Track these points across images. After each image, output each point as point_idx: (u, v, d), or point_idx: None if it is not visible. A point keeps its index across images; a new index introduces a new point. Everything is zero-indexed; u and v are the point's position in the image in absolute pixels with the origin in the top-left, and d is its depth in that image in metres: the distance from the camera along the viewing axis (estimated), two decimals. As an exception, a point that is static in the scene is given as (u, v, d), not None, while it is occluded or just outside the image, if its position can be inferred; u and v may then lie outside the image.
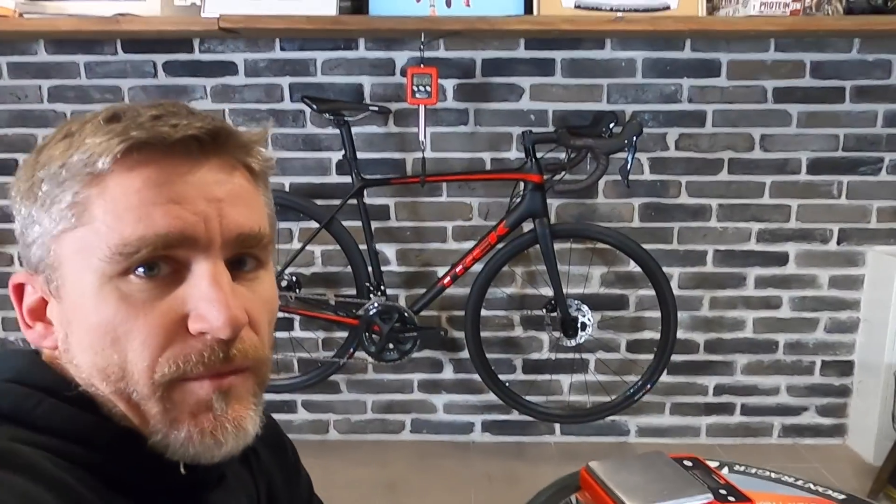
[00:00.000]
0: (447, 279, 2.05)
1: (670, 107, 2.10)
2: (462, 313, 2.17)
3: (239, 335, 0.50)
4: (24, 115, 2.14)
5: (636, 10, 1.90)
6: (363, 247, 2.06)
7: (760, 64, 2.07)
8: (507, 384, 2.17)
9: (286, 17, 1.83)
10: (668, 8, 1.92)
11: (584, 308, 2.08)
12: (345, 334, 2.16)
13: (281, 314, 2.08)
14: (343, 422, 2.32)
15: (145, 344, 0.49)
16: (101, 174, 0.48)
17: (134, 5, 1.95)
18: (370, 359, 2.11)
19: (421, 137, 1.96)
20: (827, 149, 2.12)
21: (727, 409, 2.30)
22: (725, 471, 1.06)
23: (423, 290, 2.13)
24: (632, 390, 2.13)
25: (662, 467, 1.00)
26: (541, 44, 2.07)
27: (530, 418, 2.25)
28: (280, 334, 2.22)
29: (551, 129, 2.07)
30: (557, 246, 2.03)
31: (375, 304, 2.04)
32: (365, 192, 2.03)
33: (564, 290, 2.07)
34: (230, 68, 2.10)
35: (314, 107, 1.97)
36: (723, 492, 0.94)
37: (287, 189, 2.15)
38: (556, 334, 2.12)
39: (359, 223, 2.04)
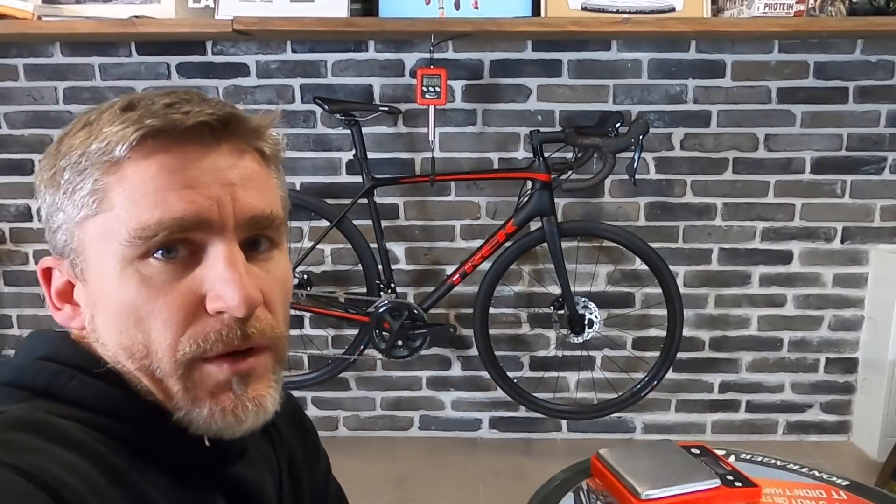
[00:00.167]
0: (456, 277, 2.08)
1: (675, 107, 2.13)
2: (470, 311, 2.20)
3: (255, 314, 0.52)
4: (40, 115, 2.18)
5: (642, 12, 1.93)
6: (373, 245, 2.09)
7: (764, 65, 2.10)
8: (514, 381, 2.19)
9: (298, 19, 1.87)
10: (673, 10, 1.95)
11: (591, 305, 2.11)
12: (354, 332, 2.19)
13: (292, 311, 2.11)
14: (352, 418, 2.35)
15: (167, 324, 0.51)
16: (118, 161, 0.51)
17: (148, 8, 1.99)
18: (380, 355, 2.14)
19: (431, 137, 1.99)
20: (830, 148, 2.15)
21: (732, 406, 2.32)
22: (732, 458, 1.08)
23: (431, 288, 2.16)
24: (638, 386, 2.16)
25: (671, 454, 1.02)
26: (548, 45, 2.10)
27: (537, 415, 2.28)
28: (290, 332, 2.25)
29: (558, 128, 2.10)
30: (564, 244, 2.06)
31: (386, 302, 2.07)
32: (375, 192, 2.06)
33: (571, 288, 2.09)
34: (242, 69, 2.13)
35: (326, 107, 2.00)
36: (730, 478, 0.97)
37: (298, 188, 2.18)
38: (564, 331, 2.15)
39: (369, 222, 2.07)
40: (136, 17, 1.89)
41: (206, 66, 2.13)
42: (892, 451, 2.00)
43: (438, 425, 2.35)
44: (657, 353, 2.18)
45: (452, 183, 2.19)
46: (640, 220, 2.20)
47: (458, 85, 2.12)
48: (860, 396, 2.28)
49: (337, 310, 2.13)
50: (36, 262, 2.27)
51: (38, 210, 0.58)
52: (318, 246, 2.13)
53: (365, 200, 2.05)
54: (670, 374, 2.19)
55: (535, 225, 2.07)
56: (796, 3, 1.85)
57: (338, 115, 2.02)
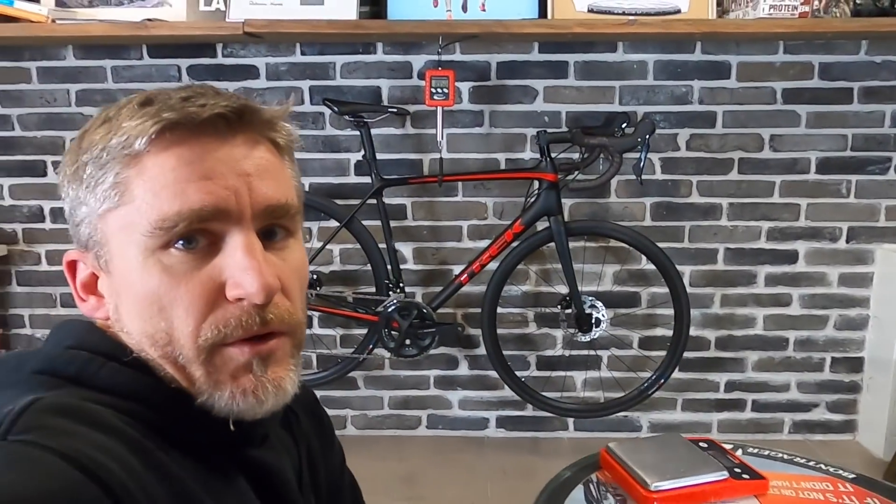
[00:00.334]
0: (464, 276, 2.10)
1: (681, 108, 2.15)
2: (477, 310, 2.22)
3: (273, 300, 0.54)
4: (53, 118, 2.20)
5: (648, 14, 1.95)
6: (382, 245, 2.11)
7: (769, 66, 2.12)
8: (522, 380, 2.21)
9: (308, 22, 1.89)
10: (678, 11, 1.97)
11: (599, 304, 2.13)
12: (363, 331, 2.21)
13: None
14: (360, 417, 2.37)
15: (189, 311, 0.53)
16: (138, 155, 0.52)
17: (160, 11, 2.02)
18: (389, 355, 2.15)
19: (439, 138, 2.01)
20: (835, 149, 2.16)
21: (738, 405, 2.33)
22: (739, 452, 1.10)
23: (438, 288, 2.18)
24: (646, 385, 2.17)
25: (679, 447, 1.04)
26: (554, 47, 2.12)
27: (544, 414, 2.29)
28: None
29: (565, 129, 2.12)
30: (571, 244, 2.07)
31: (394, 301, 2.09)
32: (384, 192, 2.08)
33: (579, 287, 2.11)
34: (252, 72, 2.16)
35: (335, 109, 2.02)
36: (737, 470, 0.99)
37: (307, 189, 2.21)
38: (571, 330, 2.17)
39: (377, 222, 2.10)
40: (149, 20, 1.92)
41: (217, 68, 2.16)
42: (898, 450, 2.01)
43: (446, 424, 2.37)
44: (663, 353, 2.19)
45: (460, 183, 2.21)
46: (646, 220, 2.22)
47: (465, 86, 2.15)
48: (866, 396, 2.29)
49: (346, 309, 2.15)
50: (48, 263, 2.30)
51: (62, 205, 0.59)
52: (327, 246, 2.15)
53: (374, 201, 2.07)
54: (676, 374, 2.20)
55: (541, 225, 2.08)
56: (801, 4, 1.87)
57: (347, 117, 2.04)
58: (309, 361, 2.31)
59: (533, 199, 2.07)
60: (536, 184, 2.08)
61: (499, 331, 2.17)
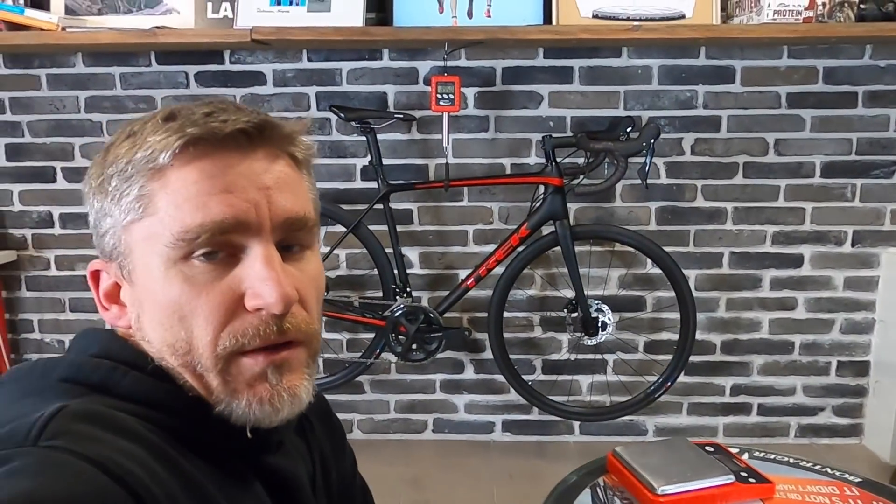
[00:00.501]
0: (471, 280, 2.11)
1: (686, 113, 2.16)
2: (482, 314, 2.24)
3: (290, 310, 0.56)
4: (62, 124, 2.23)
5: (652, 20, 1.96)
6: (389, 250, 2.12)
7: (774, 70, 2.13)
8: (529, 383, 2.22)
9: (316, 29, 1.91)
10: (683, 16, 1.98)
11: (605, 308, 2.13)
12: (369, 336, 2.22)
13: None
14: (367, 421, 2.38)
15: (208, 320, 0.54)
16: (162, 168, 0.54)
17: (169, 18, 2.04)
18: (396, 359, 2.16)
19: (445, 144, 2.03)
20: (840, 152, 2.17)
21: (744, 409, 2.33)
22: (745, 456, 1.10)
23: (444, 292, 2.19)
24: (652, 388, 2.18)
25: (685, 451, 1.05)
26: (559, 52, 2.13)
27: (549, 418, 2.30)
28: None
29: (570, 134, 2.13)
30: (577, 248, 2.08)
31: (401, 306, 2.10)
32: (390, 197, 2.10)
33: (585, 292, 2.12)
34: (259, 78, 2.18)
35: (342, 115, 2.04)
36: (744, 474, 0.99)
37: (314, 194, 2.21)
38: (578, 334, 2.17)
39: (383, 227, 2.11)
40: (157, 27, 1.93)
41: (224, 75, 2.18)
42: (904, 454, 2.01)
43: (452, 428, 2.38)
44: (669, 357, 2.20)
45: (465, 188, 2.22)
46: (651, 225, 2.22)
47: (470, 92, 2.16)
48: (872, 399, 2.29)
49: (353, 314, 2.16)
50: (57, 268, 2.32)
51: (87, 217, 0.61)
52: (334, 251, 2.17)
53: (380, 206, 2.09)
54: (682, 378, 2.21)
55: (547, 229, 2.09)
56: (805, 9, 1.88)
57: (354, 123, 2.06)
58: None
59: (539, 204, 2.08)
60: (542, 188, 2.09)
61: (505, 335, 2.18)
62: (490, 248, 2.19)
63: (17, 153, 2.24)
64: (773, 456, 1.12)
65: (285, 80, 2.17)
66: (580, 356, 2.31)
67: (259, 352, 0.56)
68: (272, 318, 0.55)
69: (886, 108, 2.13)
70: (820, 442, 2.33)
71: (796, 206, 2.21)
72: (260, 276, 0.54)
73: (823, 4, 1.92)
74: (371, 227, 2.12)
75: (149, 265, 0.55)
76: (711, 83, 2.14)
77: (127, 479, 0.46)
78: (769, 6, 1.86)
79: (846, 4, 1.91)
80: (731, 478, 0.97)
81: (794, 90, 2.13)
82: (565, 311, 2.18)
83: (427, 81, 2.14)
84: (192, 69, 2.18)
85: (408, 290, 2.12)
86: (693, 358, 2.21)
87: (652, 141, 1.94)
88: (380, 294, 2.17)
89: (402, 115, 2.06)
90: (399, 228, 2.16)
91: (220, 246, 0.55)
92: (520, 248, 2.09)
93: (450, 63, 2.07)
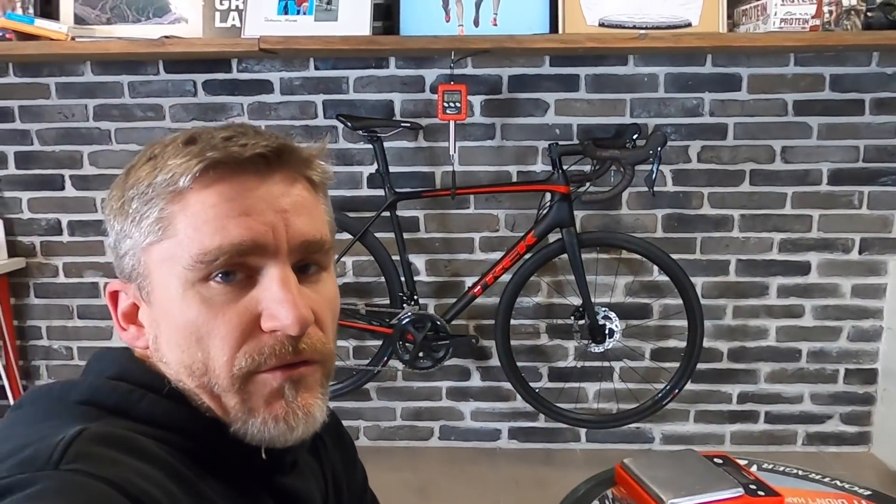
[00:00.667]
0: (478, 288, 2.11)
1: (692, 120, 2.16)
2: (489, 322, 2.24)
3: (306, 331, 0.56)
4: (71, 132, 2.24)
5: (658, 28, 1.97)
6: (396, 258, 2.13)
7: (780, 78, 2.12)
8: (536, 391, 2.22)
9: (323, 38, 1.92)
10: (689, 24, 1.98)
11: (612, 315, 2.13)
12: (376, 343, 2.23)
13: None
14: (373, 428, 2.38)
15: (225, 341, 0.55)
16: (182, 191, 0.55)
17: (177, 28, 2.06)
18: (404, 367, 2.17)
19: (451, 152, 2.03)
20: (847, 160, 2.16)
21: (751, 416, 2.33)
22: (754, 468, 1.10)
23: (451, 300, 2.19)
24: (660, 395, 2.18)
25: (694, 463, 1.05)
26: (565, 60, 2.14)
27: (556, 425, 2.30)
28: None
29: (576, 141, 2.13)
30: (584, 256, 2.08)
31: (409, 314, 2.10)
32: (397, 205, 2.10)
33: (592, 299, 2.12)
34: (266, 86, 2.19)
35: (349, 124, 2.05)
36: (753, 487, 0.99)
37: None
38: (585, 341, 2.17)
39: (390, 234, 2.11)
40: (166, 37, 1.95)
41: (231, 84, 2.19)
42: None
43: (458, 435, 2.38)
44: (675, 364, 2.20)
45: (472, 196, 2.22)
46: (657, 232, 2.22)
47: (477, 100, 2.16)
48: (880, 407, 2.28)
49: (360, 321, 2.17)
50: (65, 275, 2.33)
51: (106, 237, 0.61)
52: (341, 258, 2.17)
53: (387, 214, 2.09)
54: (688, 385, 2.20)
55: (554, 237, 2.10)
56: (812, 17, 1.87)
57: (360, 132, 2.07)
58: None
59: (545, 211, 2.08)
60: (548, 196, 2.09)
61: (511, 342, 2.18)
62: (496, 255, 2.19)
63: (26, 161, 2.26)
64: (781, 468, 1.12)
65: (292, 88, 2.18)
66: (587, 363, 2.31)
67: (276, 368, 0.56)
68: (288, 339, 0.55)
69: (894, 115, 2.13)
70: (828, 450, 2.32)
71: (803, 213, 2.20)
72: (276, 298, 0.55)
73: (830, 12, 1.92)
74: (378, 235, 2.13)
75: (167, 286, 0.56)
76: (718, 91, 2.14)
77: (145, 500, 0.46)
78: (776, 14, 1.86)
79: (853, 12, 1.91)
80: (739, 491, 0.97)
81: (800, 97, 2.13)
82: (572, 318, 2.18)
83: (433, 89, 2.14)
84: (200, 77, 2.19)
85: (415, 297, 2.12)
86: (700, 365, 2.21)
87: (659, 149, 1.94)
88: (387, 301, 2.18)
89: (408, 124, 2.07)
90: (405, 236, 2.16)
91: (237, 267, 0.55)
92: (526, 256, 2.10)
93: (456, 71, 2.08)
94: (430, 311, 2.24)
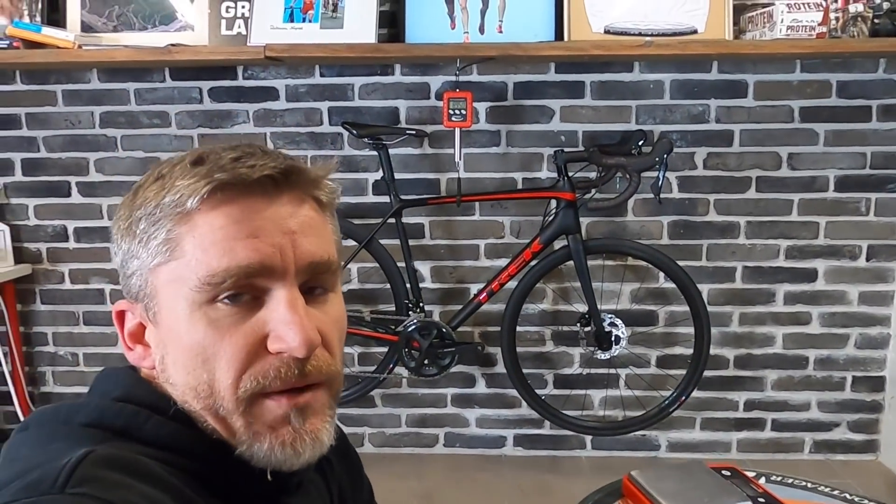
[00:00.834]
0: (483, 295, 2.11)
1: (698, 127, 2.16)
2: (494, 328, 2.23)
3: (313, 353, 0.56)
4: (77, 139, 2.25)
5: (664, 35, 1.96)
6: (401, 264, 2.13)
7: (787, 84, 2.12)
8: (542, 398, 2.21)
9: (328, 46, 1.92)
10: (695, 31, 1.98)
11: (618, 322, 2.13)
12: (381, 349, 2.23)
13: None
14: (378, 435, 2.38)
15: (230, 363, 0.55)
16: (189, 213, 0.54)
17: (183, 35, 2.06)
18: (409, 374, 2.16)
19: (457, 159, 2.03)
20: (854, 167, 2.16)
21: (758, 424, 2.32)
22: (763, 480, 1.09)
23: (456, 306, 2.19)
24: (666, 402, 2.17)
25: (702, 476, 1.04)
26: (571, 67, 2.14)
27: (561, 432, 2.29)
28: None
29: (582, 148, 2.13)
30: (590, 263, 2.08)
31: (414, 321, 2.10)
32: (403, 212, 2.10)
33: (598, 306, 2.12)
34: (272, 93, 2.19)
35: (354, 132, 2.05)
36: (761, 500, 0.99)
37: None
38: (591, 348, 2.17)
39: (395, 241, 2.11)
40: (172, 45, 1.95)
41: (237, 91, 2.20)
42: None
43: (463, 442, 2.37)
44: (681, 371, 2.19)
45: (477, 202, 2.22)
46: (663, 239, 2.22)
47: (482, 107, 2.16)
48: (888, 415, 2.27)
49: (365, 329, 2.17)
50: (71, 282, 2.33)
51: (113, 256, 0.61)
52: (346, 266, 2.17)
53: (393, 221, 2.09)
54: (695, 393, 2.19)
55: (559, 244, 2.09)
56: (818, 24, 1.87)
57: (366, 140, 2.07)
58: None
59: (551, 218, 2.08)
60: (554, 203, 2.08)
61: (517, 349, 2.17)
62: (501, 262, 2.19)
63: (32, 168, 2.27)
64: (790, 480, 1.12)
65: (298, 95, 2.19)
66: (592, 370, 2.30)
67: (282, 394, 0.56)
68: (294, 360, 0.55)
69: (901, 122, 2.12)
70: (835, 458, 2.31)
71: (810, 220, 2.19)
72: (284, 320, 0.54)
73: (837, 19, 1.91)
74: (383, 242, 2.13)
75: (174, 307, 0.56)
76: (724, 97, 2.13)
77: None
78: (782, 21, 1.86)
79: (860, 19, 1.90)
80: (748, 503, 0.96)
81: (807, 104, 2.13)
82: (578, 325, 2.17)
83: (439, 96, 2.14)
84: (206, 85, 2.19)
85: (420, 304, 2.12)
86: (706, 373, 2.20)
87: (665, 156, 1.93)
88: (392, 308, 2.17)
89: (414, 132, 2.07)
90: (411, 243, 2.16)
91: (244, 289, 0.55)
92: (532, 263, 2.09)
93: (461, 78, 2.08)
94: (436, 318, 2.24)
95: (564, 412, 2.22)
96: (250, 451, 0.56)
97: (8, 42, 1.96)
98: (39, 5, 2.07)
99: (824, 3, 1.88)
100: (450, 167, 2.18)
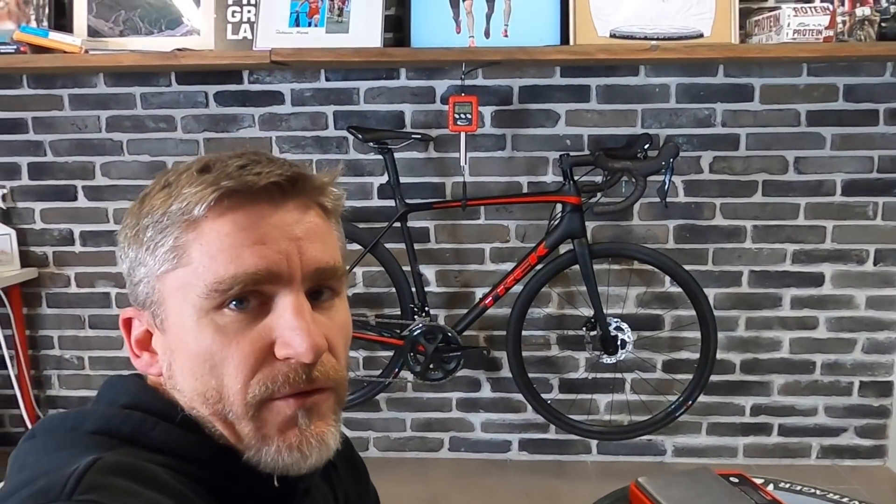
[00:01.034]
0: (489, 299, 2.11)
1: (704, 131, 2.15)
2: (499, 332, 2.23)
3: (320, 359, 0.56)
4: (84, 143, 2.26)
5: (670, 38, 1.96)
6: (406, 268, 2.12)
7: (793, 88, 2.11)
8: (548, 402, 2.20)
9: (334, 50, 1.92)
10: (701, 35, 1.97)
11: (624, 326, 2.12)
12: (386, 353, 2.22)
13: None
14: (383, 439, 2.38)
15: (238, 369, 0.55)
16: (196, 220, 0.55)
17: (189, 40, 2.07)
18: (414, 378, 2.16)
19: (462, 163, 2.03)
20: (862, 170, 2.15)
21: (764, 429, 2.30)
22: (771, 487, 1.09)
23: (461, 310, 2.19)
24: (673, 407, 2.16)
25: (710, 483, 1.03)
26: (576, 71, 2.13)
27: (567, 437, 2.28)
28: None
29: (588, 152, 2.12)
30: (595, 267, 2.07)
31: (420, 325, 2.10)
32: (408, 216, 2.10)
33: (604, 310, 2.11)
34: (277, 98, 2.19)
35: (360, 136, 2.05)
36: (770, 507, 0.98)
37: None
38: (597, 353, 2.16)
39: (400, 245, 2.11)
40: (178, 49, 1.96)
41: (243, 95, 2.20)
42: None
43: (468, 447, 2.37)
44: (687, 376, 2.18)
45: (482, 206, 2.22)
46: (669, 243, 2.21)
47: (487, 111, 2.16)
48: (896, 420, 2.26)
49: (371, 333, 2.16)
50: (77, 286, 2.34)
51: (120, 264, 0.61)
52: (352, 270, 2.17)
53: (398, 225, 2.09)
54: (701, 397, 2.18)
55: (564, 248, 2.09)
56: (825, 28, 1.86)
57: (371, 144, 2.07)
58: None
59: (556, 222, 2.07)
60: (559, 207, 2.08)
61: (523, 353, 2.17)
62: (506, 266, 2.18)
63: (39, 172, 2.27)
64: (799, 487, 1.11)
65: (303, 99, 2.19)
66: (598, 375, 2.30)
67: (290, 396, 0.56)
68: (301, 366, 0.55)
69: (909, 125, 2.11)
70: (843, 463, 2.30)
71: (817, 224, 2.18)
72: (290, 326, 0.55)
73: (843, 23, 1.91)
74: (388, 246, 2.12)
75: (181, 314, 0.56)
76: (730, 101, 2.13)
77: None
78: (789, 25, 1.85)
79: (866, 22, 1.90)
80: (756, 511, 0.95)
81: (814, 108, 2.12)
82: (584, 329, 2.16)
83: (444, 100, 2.14)
84: (212, 89, 2.20)
85: (426, 308, 2.12)
86: (712, 377, 2.19)
87: (671, 159, 1.92)
88: (398, 312, 2.17)
89: (419, 136, 2.07)
90: (416, 247, 2.16)
91: (251, 295, 0.55)
92: (538, 267, 2.09)
93: (467, 82, 2.08)
94: (441, 322, 2.24)
95: (570, 416, 2.21)
96: (258, 455, 0.56)
97: (15, 47, 1.97)
98: (46, 10, 2.08)
99: (831, 7, 1.88)
100: (455, 171, 2.18)
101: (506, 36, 2.03)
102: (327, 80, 2.18)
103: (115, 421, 0.56)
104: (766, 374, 2.28)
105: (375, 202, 2.23)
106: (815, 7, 1.87)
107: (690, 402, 2.14)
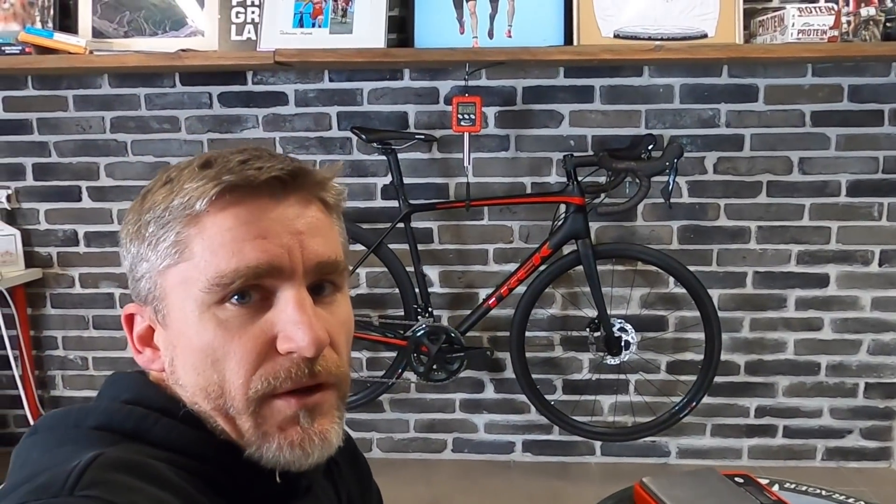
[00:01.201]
0: (492, 300, 2.10)
1: (708, 131, 2.14)
2: (502, 333, 2.23)
3: (322, 353, 0.56)
4: (88, 144, 2.26)
5: (674, 39, 1.95)
6: (410, 269, 2.12)
7: (798, 88, 2.10)
8: (552, 403, 2.20)
9: (338, 51, 1.92)
10: (705, 36, 1.97)
11: (628, 326, 2.12)
12: (390, 354, 2.22)
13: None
14: (386, 440, 2.37)
15: (240, 363, 0.55)
16: (198, 215, 0.55)
17: (193, 41, 2.07)
18: (418, 379, 2.16)
19: (466, 163, 2.03)
20: (867, 171, 2.14)
21: (769, 430, 2.30)
22: (776, 488, 1.08)
23: (464, 311, 2.18)
24: (677, 408, 2.15)
25: (715, 483, 1.03)
26: (580, 71, 2.13)
27: (570, 438, 2.28)
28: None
29: (592, 153, 2.12)
30: (599, 268, 2.07)
31: (423, 326, 2.09)
32: (412, 217, 2.10)
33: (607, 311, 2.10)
34: (281, 98, 2.20)
35: (363, 137, 2.05)
36: (775, 508, 0.97)
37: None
38: (601, 353, 2.15)
39: (404, 246, 2.11)
40: (183, 50, 1.96)
41: (247, 96, 2.20)
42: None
43: (472, 448, 2.36)
44: (691, 377, 2.17)
45: (486, 207, 2.21)
46: (673, 244, 2.20)
47: (491, 111, 2.16)
48: (901, 422, 2.25)
49: (374, 333, 2.16)
50: (82, 286, 2.34)
51: (123, 261, 0.61)
52: (355, 270, 2.17)
53: (401, 225, 2.09)
54: (705, 399, 2.17)
55: (568, 249, 2.08)
56: (830, 28, 1.86)
57: (375, 144, 2.07)
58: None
59: (560, 223, 2.07)
60: (563, 207, 2.08)
61: (526, 354, 2.17)
62: (510, 267, 2.18)
63: (43, 172, 2.28)
64: (804, 488, 1.10)
65: (307, 100, 2.19)
66: (602, 376, 2.29)
67: (291, 395, 0.56)
68: (304, 361, 0.55)
69: (914, 126, 2.10)
70: (848, 465, 2.29)
71: (822, 225, 2.18)
72: (292, 320, 0.55)
73: (848, 23, 1.90)
74: (392, 246, 2.12)
75: (183, 309, 0.56)
76: (734, 101, 2.12)
77: None
78: (793, 25, 1.85)
79: (871, 22, 1.89)
80: (762, 512, 0.95)
81: (818, 108, 2.11)
82: (588, 330, 2.16)
83: (448, 101, 2.14)
84: (216, 90, 2.20)
85: (429, 309, 2.12)
86: (717, 378, 2.18)
87: (675, 160, 1.92)
88: (401, 313, 2.17)
89: (422, 136, 2.07)
90: (419, 247, 2.15)
91: (253, 289, 0.55)
92: (541, 268, 2.09)
93: (471, 83, 2.08)
94: (445, 322, 2.23)
95: (574, 418, 2.21)
96: (259, 451, 0.56)
97: (20, 48, 1.98)
98: (51, 11, 2.08)
99: (836, 7, 1.87)
100: (459, 172, 2.17)
101: (509, 36, 2.03)
102: (331, 80, 2.18)
103: (118, 417, 0.56)
104: (770, 376, 2.27)
105: (379, 203, 2.23)
106: (819, 7, 1.86)
107: (695, 404, 2.13)
